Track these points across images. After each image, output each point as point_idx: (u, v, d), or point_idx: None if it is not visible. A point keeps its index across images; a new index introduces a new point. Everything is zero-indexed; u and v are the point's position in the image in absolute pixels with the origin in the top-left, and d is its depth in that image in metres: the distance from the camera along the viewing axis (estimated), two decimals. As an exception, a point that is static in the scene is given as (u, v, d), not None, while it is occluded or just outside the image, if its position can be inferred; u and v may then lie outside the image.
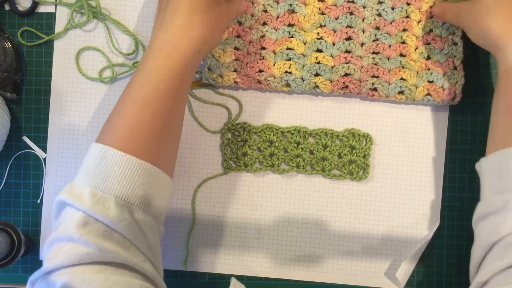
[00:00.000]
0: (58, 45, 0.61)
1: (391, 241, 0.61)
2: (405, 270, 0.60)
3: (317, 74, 0.58)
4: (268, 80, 0.58)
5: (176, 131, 0.51)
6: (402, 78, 0.58)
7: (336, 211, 0.61)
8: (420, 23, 0.58)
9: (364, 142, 0.60)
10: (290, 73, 0.58)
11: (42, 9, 0.61)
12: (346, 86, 0.58)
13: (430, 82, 0.58)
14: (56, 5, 0.61)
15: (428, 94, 0.58)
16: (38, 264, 0.62)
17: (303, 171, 0.60)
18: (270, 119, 0.61)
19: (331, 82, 0.58)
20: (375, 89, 0.58)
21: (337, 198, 0.61)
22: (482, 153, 0.60)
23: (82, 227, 0.43)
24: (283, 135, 0.60)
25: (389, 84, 0.58)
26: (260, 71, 0.58)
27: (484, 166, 0.51)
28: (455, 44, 0.57)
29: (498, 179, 0.49)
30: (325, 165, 0.60)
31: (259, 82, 0.59)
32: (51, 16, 0.61)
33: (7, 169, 0.61)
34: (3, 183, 0.61)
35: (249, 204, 0.61)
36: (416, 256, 0.61)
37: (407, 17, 0.58)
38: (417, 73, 0.58)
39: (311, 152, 0.60)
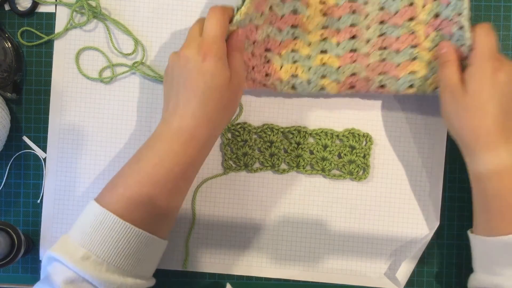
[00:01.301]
0: (58, 45, 0.61)
1: (391, 241, 0.61)
2: (405, 270, 0.60)
3: (323, 76, 0.57)
4: (274, 84, 0.57)
5: (179, 206, 0.52)
6: (411, 72, 0.56)
7: (336, 211, 0.61)
8: (425, 8, 0.55)
9: (364, 142, 0.60)
10: (296, 76, 0.57)
11: (42, 9, 0.61)
12: (353, 86, 0.57)
13: None
14: (56, 5, 0.61)
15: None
16: (38, 264, 0.62)
17: (303, 171, 0.60)
18: (270, 119, 0.61)
19: (337, 83, 0.57)
20: (384, 86, 0.57)
21: (337, 198, 0.61)
22: (482, 153, 0.60)
23: (69, 283, 0.44)
24: (283, 135, 0.60)
25: (398, 80, 0.56)
26: (267, 74, 0.57)
27: (473, 242, 0.53)
28: (461, 28, 0.52)
29: (487, 260, 0.51)
30: (325, 165, 0.60)
31: (264, 85, 0.58)
32: (51, 16, 0.61)
33: (7, 169, 0.61)
34: (3, 183, 0.61)
35: (249, 204, 0.61)
36: (416, 256, 0.61)
37: (411, 4, 0.55)
38: (429, 63, 0.55)
39: (311, 152, 0.60)
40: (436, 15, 0.55)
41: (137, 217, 0.47)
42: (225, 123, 0.53)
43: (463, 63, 0.53)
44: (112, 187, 0.49)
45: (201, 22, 0.51)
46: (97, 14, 0.60)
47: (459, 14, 0.52)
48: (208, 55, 0.48)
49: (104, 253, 0.45)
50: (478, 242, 0.52)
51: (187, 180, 0.51)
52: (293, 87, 0.57)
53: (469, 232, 0.54)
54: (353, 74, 0.56)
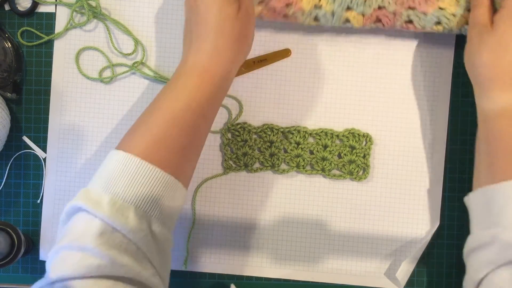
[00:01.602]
0: (58, 45, 0.61)
1: (391, 241, 0.61)
2: (405, 270, 0.60)
3: (348, 8, 0.55)
4: (295, 15, 0.55)
5: (200, 149, 0.52)
6: (440, 8, 0.55)
7: (336, 211, 0.61)
8: None
9: (364, 142, 0.60)
10: (320, 7, 0.55)
11: (42, 9, 0.61)
12: (379, 20, 0.56)
13: (469, 11, 0.55)
14: (56, 5, 0.61)
15: (466, 24, 0.55)
16: (38, 264, 0.62)
17: (303, 171, 0.60)
18: (270, 119, 0.61)
19: (363, 16, 0.55)
20: (411, 21, 0.56)
21: (337, 198, 0.61)
22: (482, 153, 0.60)
23: (98, 237, 0.42)
24: (283, 135, 0.60)
25: (426, 15, 0.55)
26: (288, 4, 0.55)
27: (473, 201, 0.52)
28: None
29: (486, 213, 0.49)
30: (325, 165, 0.60)
31: (285, 16, 0.56)
32: (51, 16, 0.61)
33: (7, 169, 0.61)
34: (3, 183, 0.61)
35: (249, 204, 0.61)
36: (416, 256, 0.61)
37: None
38: (458, 1, 0.55)
39: (311, 152, 0.60)
40: None
41: (160, 159, 0.46)
42: (240, 58, 0.52)
43: (495, 6, 0.53)
44: (132, 132, 0.48)
45: None
46: (97, 14, 0.60)
47: None
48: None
49: (131, 197, 0.43)
50: (478, 196, 0.51)
51: (206, 119, 0.51)
52: (316, 19, 0.56)
53: (465, 198, 0.53)
54: (381, 8, 0.55)
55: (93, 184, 0.46)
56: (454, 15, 0.55)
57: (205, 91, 0.49)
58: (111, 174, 0.45)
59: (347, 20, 0.56)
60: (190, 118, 0.48)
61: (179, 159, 0.48)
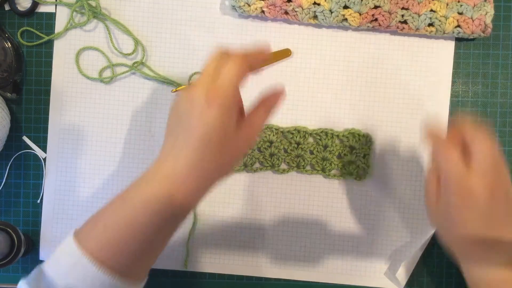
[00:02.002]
0: (58, 45, 0.61)
1: (391, 241, 0.61)
2: (405, 270, 0.60)
3: (346, 7, 0.58)
4: (295, 11, 0.58)
5: (159, 252, 0.49)
6: (432, 10, 0.58)
7: (336, 211, 0.61)
8: None
9: (364, 142, 0.60)
10: (318, 4, 0.58)
11: (42, 9, 0.61)
12: (376, 19, 0.58)
13: (460, 13, 0.58)
14: (56, 5, 0.61)
15: (458, 26, 0.58)
16: (38, 264, 0.62)
17: (303, 171, 0.60)
18: (270, 119, 0.61)
19: (360, 14, 0.58)
20: (405, 22, 0.58)
21: (337, 198, 0.61)
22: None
23: None
24: (283, 135, 0.60)
25: (419, 16, 0.58)
26: (289, 0, 0.58)
27: None
28: None
29: None
30: (325, 165, 0.60)
31: (286, 13, 0.59)
32: (51, 16, 0.61)
33: (7, 169, 0.61)
34: (3, 183, 0.61)
35: (249, 204, 0.61)
36: (416, 256, 0.61)
37: None
38: (447, 5, 0.58)
39: (311, 152, 0.60)
40: None
41: (113, 261, 0.44)
42: (218, 180, 0.47)
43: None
44: (93, 223, 0.46)
45: (219, 59, 0.46)
46: (97, 14, 0.60)
47: None
48: (215, 103, 0.43)
49: None
50: None
51: (172, 226, 0.47)
52: (315, 17, 0.59)
53: None
54: (376, 7, 0.58)
55: (48, 267, 0.46)
56: (445, 17, 0.58)
57: (175, 205, 0.45)
58: (62, 268, 0.45)
59: (345, 19, 0.58)
60: (154, 225, 0.45)
61: (132, 261, 0.46)
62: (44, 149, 0.61)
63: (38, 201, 0.61)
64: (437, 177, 0.49)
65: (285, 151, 0.60)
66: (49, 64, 0.61)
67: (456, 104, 0.61)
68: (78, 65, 0.61)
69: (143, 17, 0.61)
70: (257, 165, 0.61)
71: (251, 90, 0.61)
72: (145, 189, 0.45)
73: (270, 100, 0.49)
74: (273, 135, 0.60)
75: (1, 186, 0.61)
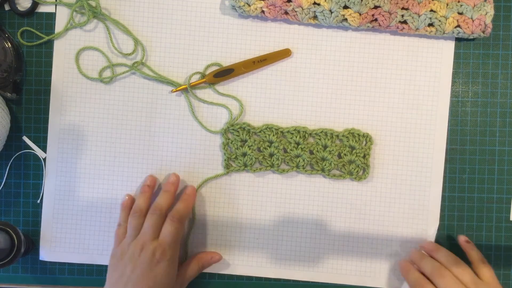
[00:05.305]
0: (58, 45, 0.61)
1: (391, 241, 0.61)
2: (405, 270, 0.60)
3: (346, 7, 0.58)
4: (295, 11, 0.58)
5: None
6: (431, 10, 0.58)
7: (336, 211, 0.61)
8: None
9: (364, 142, 0.60)
10: (318, 4, 0.58)
11: (42, 9, 0.61)
12: (375, 19, 0.58)
13: (460, 14, 0.58)
14: (56, 5, 0.61)
15: (458, 26, 0.58)
16: (38, 264, 0.62)
17: (303, 171, 0.60)
18: (270, 119, 0.61)
19: (360, 14, 0.58)
20: (405, 22, 0.58)
21: (337, 198, 0.61)
22: (482, 152, 0.61)
23: None
24: (283, 135, 0.60)
25: (419, 16, 0.58)
26: (289, 1, 0.58)
27: None
28: None
29: None
30: (325, 165, 0.60)
31: (286, 13, 0.59)
32: (51, 16, 0.61)
33: (7, 169, 0.61)
34: (3, 183, 0.61)
35: (249, 204, 0.61)
36: (416, 256, 0.61)
37: None
38: (447, 5, 0.58)
39: (311, 152, 0.60)
40: None
41: None
42: None
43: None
44: None
45: (156, 218, 0.56)
46: (97, 14, 0.60)
47: None
48: (162, 259, 0.53)
49: None
50: None
51: None
52: (315, 17, 0.59)
53: None
54: (376, 7, 0.58)
55: None
56: (445, 17, 0.58)
57: None
58: None
59: (345, 19, 0.58)
60: None
61: None
62: (44, 149, 0.61)
63: (38, 201, 0.61)
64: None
65: (285, 151, 0.60)
66: (49, 64, 0.61)
67: (456, 104, 0.61)
68: (78, 65, 0.61)
69: (143, 17, 0.61)
70: (257, 165, 0.61)
71: (254, 90, 0.61)
72: None
73: (204, 259, 0.60)
74: (273, 135, 0.60)
75: (1, 186, 0.61)
